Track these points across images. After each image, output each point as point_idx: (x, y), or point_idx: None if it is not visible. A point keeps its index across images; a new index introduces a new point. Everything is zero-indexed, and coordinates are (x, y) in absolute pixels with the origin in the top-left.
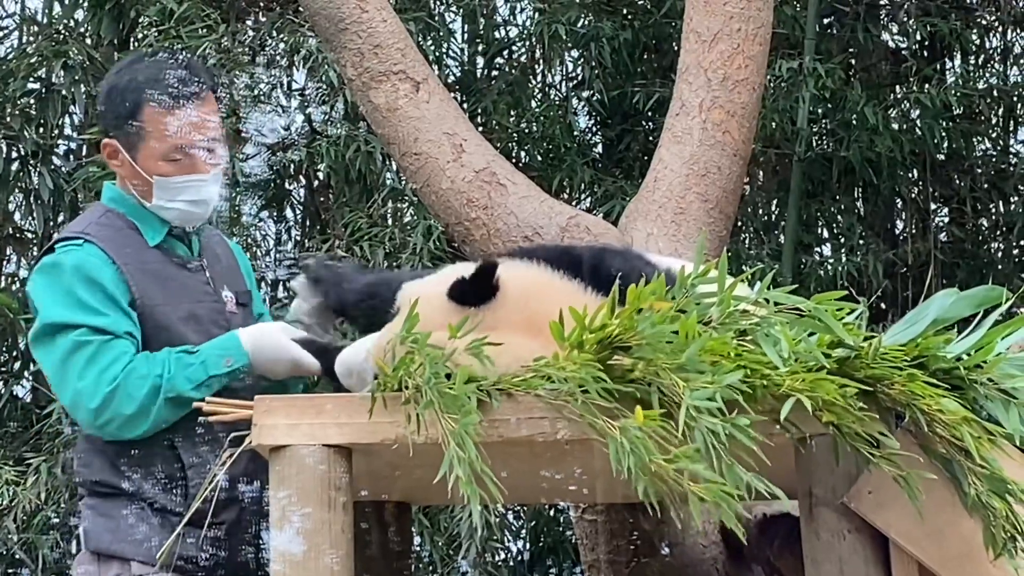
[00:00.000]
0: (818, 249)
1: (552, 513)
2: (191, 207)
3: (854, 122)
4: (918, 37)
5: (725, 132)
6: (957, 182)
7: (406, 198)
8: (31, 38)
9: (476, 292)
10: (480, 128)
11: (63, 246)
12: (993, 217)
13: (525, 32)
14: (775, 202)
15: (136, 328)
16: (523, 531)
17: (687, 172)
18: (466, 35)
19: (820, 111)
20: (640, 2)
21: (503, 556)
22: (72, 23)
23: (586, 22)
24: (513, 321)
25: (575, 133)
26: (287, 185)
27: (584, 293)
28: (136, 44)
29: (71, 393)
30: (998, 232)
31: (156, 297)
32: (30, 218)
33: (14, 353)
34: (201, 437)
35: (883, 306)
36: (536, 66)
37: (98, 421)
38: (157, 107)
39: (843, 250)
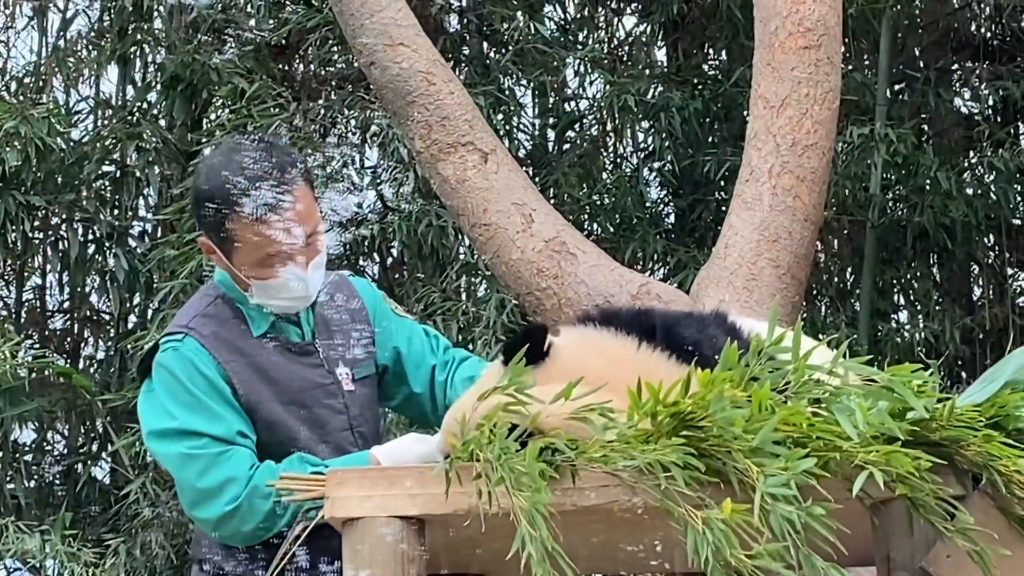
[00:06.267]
0: (894, 316)
1: None
2: (293, 302)
3: (927, 187)
4: (990, 101)
5: (795, 197)
6: None
7: (479, 272)
8: (105, 121)
9: (527, 352)
10: (551, 201)
11: (166, 342)
12: None
13: (595, 104)
14: (849, 269)
15: (247, 424)
16: None
17: (758, 238)
18: (536, 108)
19: (893, 177)
20: (710, 72)
21: None
22: (145, 104)
23: (656, 93)
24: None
25: (646, 204)
26: (361, 262)
27: (664, 362)
28: (209, 124)
29: (190, 499)
30: None
31: (262, 392)
32: (106, 299)
33: (92, 435)
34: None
35: (963, 374)
36: (607, 138)
37: (217, 532)
38: (246, 219)
39: (920, 316)
